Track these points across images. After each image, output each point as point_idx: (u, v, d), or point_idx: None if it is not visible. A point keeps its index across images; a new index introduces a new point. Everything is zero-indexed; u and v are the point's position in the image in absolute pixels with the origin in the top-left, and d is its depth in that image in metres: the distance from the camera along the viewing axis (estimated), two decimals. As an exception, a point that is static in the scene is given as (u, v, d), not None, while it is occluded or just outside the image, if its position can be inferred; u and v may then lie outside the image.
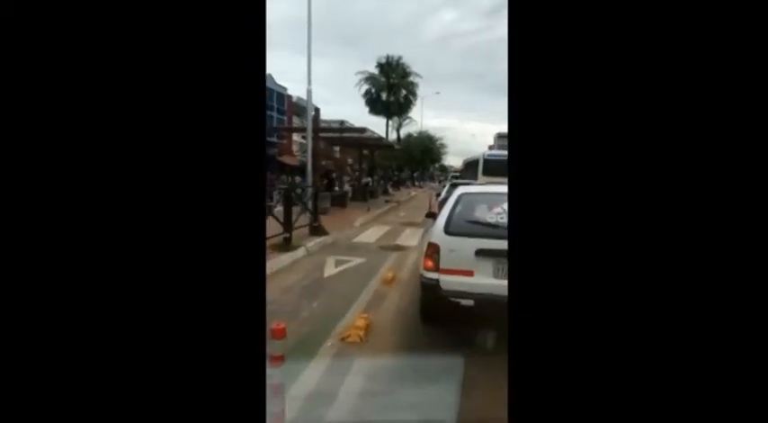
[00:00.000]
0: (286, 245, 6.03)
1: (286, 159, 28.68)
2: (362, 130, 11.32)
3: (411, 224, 10.29)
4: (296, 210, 6.97)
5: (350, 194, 15.88)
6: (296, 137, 27.69)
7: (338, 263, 5.75)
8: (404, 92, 29.87)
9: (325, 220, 9.47)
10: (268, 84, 28.12)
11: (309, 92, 10.23)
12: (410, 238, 8.21)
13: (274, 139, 27.88)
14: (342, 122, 12.76)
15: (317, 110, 12.43)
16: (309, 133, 10.30)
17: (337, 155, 26.81)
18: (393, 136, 30.89)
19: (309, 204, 7.58)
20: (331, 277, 5.10)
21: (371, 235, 8.39)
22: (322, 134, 12.34)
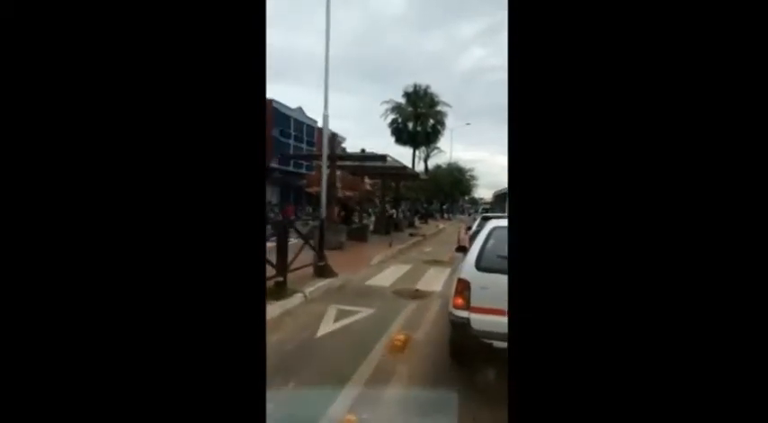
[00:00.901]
0: (278, 291, 4.93)
1: (314, 190, 28.16)
2: (383, 157, 10.36)
3: (436, 262, 9.03)
4: (296, 244, 5.93)
5: (372, 227, 14.85)
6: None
7: (340, 315, 4.59)
8: (431, 121, 28.97)
9: (337, 257, 8.40)
10: (298, 116, 28.29)
11: (326, 117, 9.43)
12: (433, 280, 6.96)
13: (303, 170, 27.60)
14: (362, 150, 11.89)
15: (333, 135, 11.66)
16: (324, 161, 9.42)
17: (368, 186, 26.04)
18: (421, 167, 30.00)
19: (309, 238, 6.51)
20: (325, 338, 3.94)
21: (388, 276, 7.20)
22: (340, 162, 11.49)
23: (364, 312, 4.75)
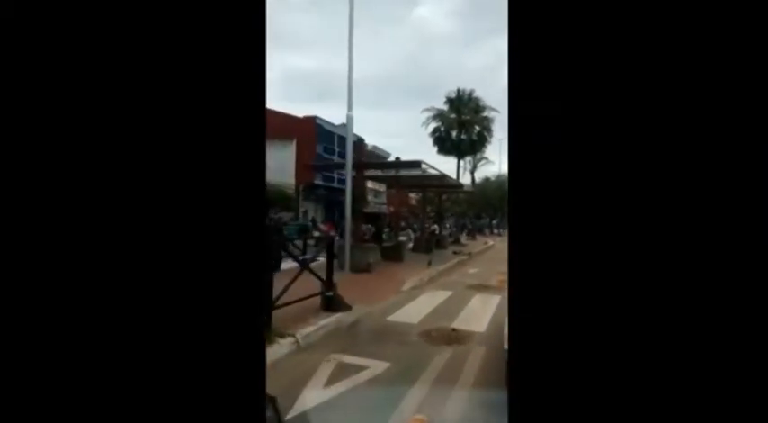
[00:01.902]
0: (258, 335, 3.65)
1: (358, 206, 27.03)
2: (416, 163, 8.88)
3: (482, 287, 7.44)
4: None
5: (411, 245, 13.41)
6: (370, 184, 26.24)
7: (337, 374, 3.21)
8: (477, 128, 26.88)
9: (360, 283, 7.08)
10: (342, 132, 27.48)
11: (350, 118, 8.29)
12: (478, 313, 5.41)
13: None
14: (397, 158, 10.59)
15: (359, 141, 10.51)
16: (349, 170, 8.23)
17: (413, 202, 24.52)
18: (467, 179, 28.06)
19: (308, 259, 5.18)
20: (300, 419, 2.56)
21: (420, 307, 5.73)
22: (369, 172, 10.27)
23: (373, 369, 3.34)
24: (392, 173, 10.78)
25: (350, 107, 8.17)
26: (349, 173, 8.15)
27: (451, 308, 5.70)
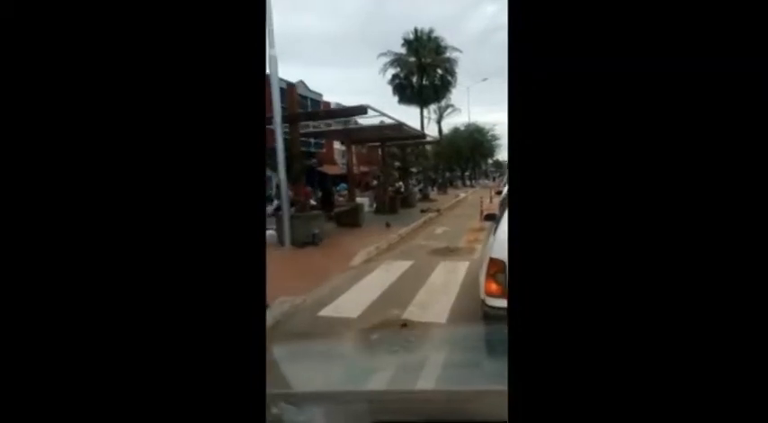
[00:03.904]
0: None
1: (327, 169, 25.32)
2: (362, 109, 7.27)
3: (449, 252, 6.31)
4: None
5: (373, 206, 12.14)
6: (337, 144, 24.40)
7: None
8: (439, 72, 24.59)
9: (298, 260, 5.83)
10: (301, 90, 25.11)
11: (273, 58, 6.65)
12: (440, 290, 4.26)
13: (311, 149, 24.64)
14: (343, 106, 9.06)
15: (290, 86, 8.95)
16: (278, 123, 6.68)
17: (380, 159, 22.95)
18: (434, 130, 26.31)
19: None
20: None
21: (368, 289, 4.51)
22: (314, 127, 8.73)
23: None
24: (340, 126, 9.25)
25: (271, 44, 6.52)
26: (279, 126, 6.62)
27: (408, 286, 4.52)
